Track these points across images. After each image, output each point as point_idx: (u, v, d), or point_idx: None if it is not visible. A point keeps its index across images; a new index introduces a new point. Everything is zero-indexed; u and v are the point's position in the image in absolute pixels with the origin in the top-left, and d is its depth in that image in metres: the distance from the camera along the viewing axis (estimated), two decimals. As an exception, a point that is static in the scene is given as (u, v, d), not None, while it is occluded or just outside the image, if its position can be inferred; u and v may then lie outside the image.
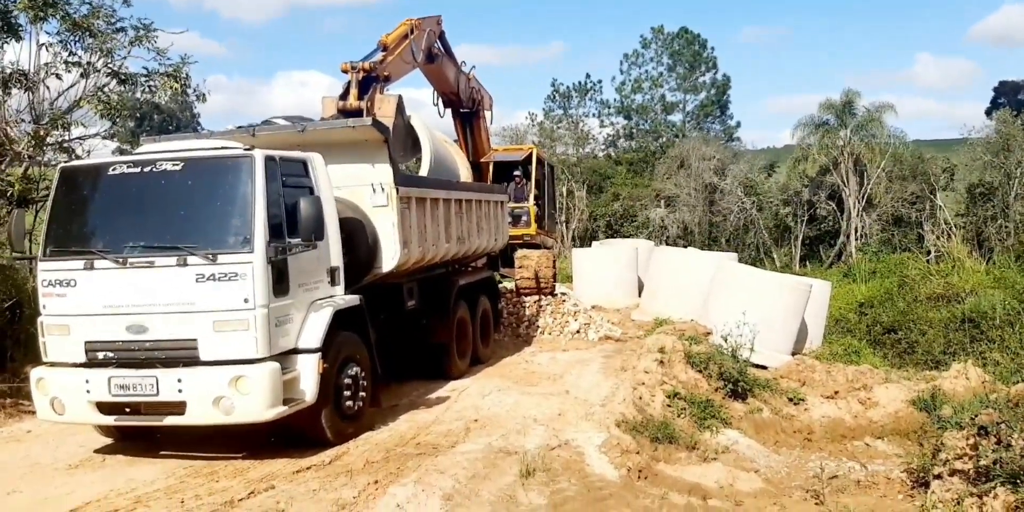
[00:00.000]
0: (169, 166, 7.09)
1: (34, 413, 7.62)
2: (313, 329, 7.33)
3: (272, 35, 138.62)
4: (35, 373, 7.24)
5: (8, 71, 10.94)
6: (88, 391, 6.93)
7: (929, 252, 28.92)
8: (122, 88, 11.97)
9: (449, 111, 14.29)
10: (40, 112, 11.37)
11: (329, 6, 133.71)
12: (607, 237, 33.66)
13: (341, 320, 7.67)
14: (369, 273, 8.87)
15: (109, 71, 11.56)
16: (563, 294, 15.72)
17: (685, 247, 24.83)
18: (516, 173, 17.49)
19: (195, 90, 12.60)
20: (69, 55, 11.33)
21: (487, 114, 15.04)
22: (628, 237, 32.58)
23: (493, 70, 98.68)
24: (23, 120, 11.34)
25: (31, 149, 11.04)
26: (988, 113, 45.88)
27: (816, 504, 7.08)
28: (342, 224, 8.10)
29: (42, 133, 11.24)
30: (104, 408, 7.01)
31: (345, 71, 10.26)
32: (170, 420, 6.93)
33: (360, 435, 7.80)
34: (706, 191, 37.46)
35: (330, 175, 8.03)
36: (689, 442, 8.12)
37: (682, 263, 14.71)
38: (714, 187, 37.49)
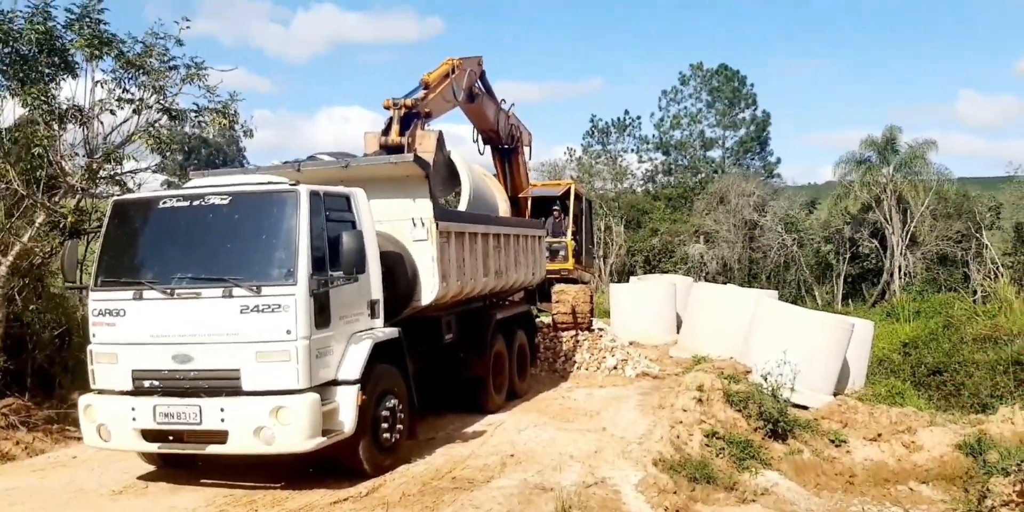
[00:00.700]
0: (217, 200, 7.30)
1: (80, 439, 7.80)
2: (353, 361, 7.41)
3: (316, 71, 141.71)
4: (83, 400, 7.40)
5: (64, 107, 11.32)
6: (134, 419, 7.07)
7: (975, 292, 28.31)
8: (172, 123, 12.31)
9: (488, 148, 14.48)
10: (94, 146, 11.71)
11: (371, 43, 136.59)
12: (645, 272, 33.50)
13: (380, 352, 7.75)
14: (408, 306, 8.95)
15: (161, 107, 11.90)
16: (600, 329, 15.67)
17: (724, 284, 24.66)
18: (554, 208, 17.57)
19: (242, 126, 12.92)
20: (123, 92, 11.68)
21: (526, 150, 15.21)
22: (666, 273, 32.36)
23: (532, 106, 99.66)
24: (77, 154, 11.69)
25: (84, 182, 11.36)
26: (1035, 151, 45.10)
27: (858, 549, 6.94)
28: (382, 257, 8.22)
29: (95, 166, 11.57)
30: (149, 435, 7.13)
31: (387, 107, 10.46)
32: (212, 449, 7.03)
33: (397, 467, 7.82)
34: (746, 227, 37.21)
35: (372, 209, 8.18)
36: (727, 483, 8.02)
37: (721, 300, 14.60)
38: (754, 223, 37.24)
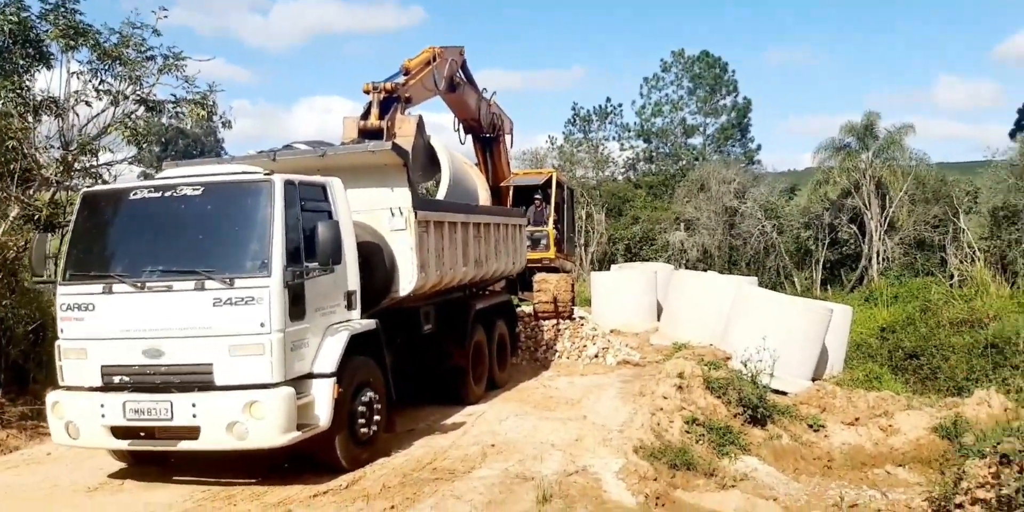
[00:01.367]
0: (189, 191, 7.16)
1: (55, 436, 7.69)
2: (328, 354, 7.31)
3: (296, 61, 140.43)
4: (51, 397, 7.25)
5: (39, 98, 11.17)
6: (103, 415, 6.92)
7: (952, 276, 28.55)
8: (150, 115, 12.18)
9: (470, 137, 14.42)
10: (69, 138, 11.58)
11: (351, 33, 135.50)
12: (626, 261, 33.59)
13: (357, 344, 7.65)
14: (386, 297, 8.86)
15: (138, 98, 11.77)
16: (581, 318, 15.71)
17: (705, 271, 24.78)
18: (536, 197, 17.55)
19: (221, 116, 12.81)
20: (99, 83, 11.55)
21: (507, 138, 15.16)
22: (647, 261, 32.48)
23: (513, 94, 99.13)
24: (52, 146, 11.56)
25: (59, 174, 11.24)
26: (1012, 135, 45.46)
27: (836, 533, 7.01)
28: (360, 248, 8.13)
29: (70, 159, 11.45)
30: (118, 432, 7.00)
31: (367, 92, 10.33)
32: (184, 445, 6.90)
33: (374, 461, 7.77)
34: (726, 214, 37.34)
35: (349, 199, 8.09)
36: (707, 469, 8.07)
37: (701, 287, 14.67)
38: (734, 210, 37.37)
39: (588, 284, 20.34)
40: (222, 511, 6.59)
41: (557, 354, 14.25)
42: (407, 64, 11.12)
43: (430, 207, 9.67)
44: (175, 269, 6.96)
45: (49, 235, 8.21)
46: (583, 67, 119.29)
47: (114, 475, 7.72)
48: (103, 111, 11.80)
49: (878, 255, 33.83)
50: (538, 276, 15.43)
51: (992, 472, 6.47)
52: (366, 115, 10.19)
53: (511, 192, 15.92)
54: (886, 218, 34.04)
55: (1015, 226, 30.58)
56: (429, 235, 9.35)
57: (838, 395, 10.92)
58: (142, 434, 7.01)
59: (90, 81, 11.50)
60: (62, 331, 7.23)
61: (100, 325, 7.01)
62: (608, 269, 23.43)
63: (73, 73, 11.41)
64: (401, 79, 10.76)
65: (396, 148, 8.88)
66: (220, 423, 6.70)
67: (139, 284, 6.93)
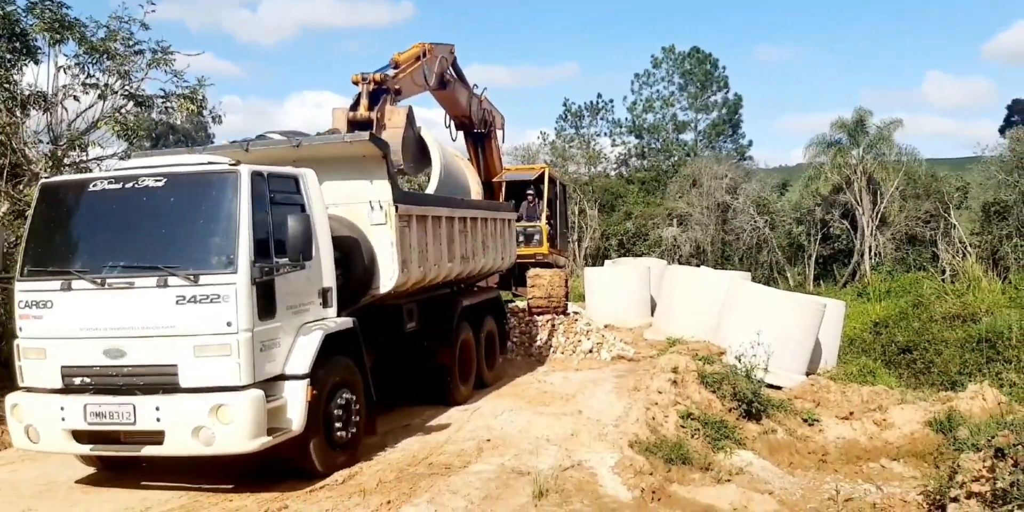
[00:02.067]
0: (151, 182, 6.78)
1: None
2: (301, 354, 6.94)
3: (286, 56, 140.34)
4: (10, 399, 6.90)
5: (27, 93, 11.09)
6: (63, 419, 6.60)
7: (944, 271, 28.70)
8: (139, 109, 12.11)
9: (461, 133, 14.38)
10: (58, 133, 11.51)
11: (342, 28, 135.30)
12: (619, 256, 33.61)
13: (333, 344, 7.30)
14: (366, 294, 8.47)
15: (126, 93, 11.70)
16: (575, 313, 15.72)
17: (698, 266, 24.80)
18: (529, 192, 17.55)
19: (211, 111, 12.74)
20: (87, 77, 11.47)
21: (499, 134, 15.11)
22: (640, 256, 32.51)
23: (505, 90, 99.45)
24: (41, 141, 11.49)
25: (48, 170, 11.16)
26: (1002, 131, 45.64)
27: (832, 526, 7.03)
28: (338, 243, 7.80)
29: (59, 154, 11.38)
30: (80, 437, 6.67)
31: (356, 82, 10.13)
32: (148, 450, 6.59)
33: (353, 465, 7.45)
34: (718, 210, 37.42)
35: (325, 192, 7.73)
36: (703, 463, 8.08)
37: (695, 282, 14.69)
38: (726, 206, 37.45)
39: (581, 279, 20.35)
40: (218, 507, 6.55)
41: (552, 349, 14.24)
42: (397, 58, 11.02)
43: (412, 201, 9.27)
44: (136, 265, 6.58)
45: (7, 229, 7.92)
46: (574, 63, 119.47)
47: (110, 471, 7.65)
48: (92, 106, 11.74)
49: (870, 250, 33.94)
50: (532, 271, 15.44)
51: (987, 466, 6.49)
52: (355, 106, 9.98)
53: (503, 188, 15.89)
54: (878, 213, 34.15)
55: (1005, 221, 30.71)
56: (411, 230, 8.97)
57: (832, 389, 10.96)
58: (107, 438, 6.67)
59: (78, 75, 11.43)
60: (21, 330, 6.85)
61: (59, 323, 6.66)
62: (601, 264, 23.47)
63: (60, 67, 11.34)
64: (391, 71, 10.68)
65: (375, 138, 8.44)
66: (185, 427, 6.37)
67: (99, 281, 6.57)
